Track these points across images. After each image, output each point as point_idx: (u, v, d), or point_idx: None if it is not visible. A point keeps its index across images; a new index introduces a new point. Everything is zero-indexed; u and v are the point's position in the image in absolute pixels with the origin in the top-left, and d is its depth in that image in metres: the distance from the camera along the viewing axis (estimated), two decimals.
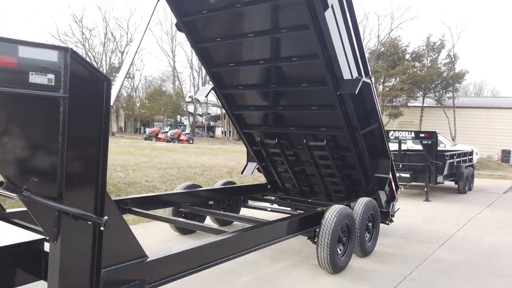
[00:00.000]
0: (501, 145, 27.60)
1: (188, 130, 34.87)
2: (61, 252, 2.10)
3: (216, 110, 45.82)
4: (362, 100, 5.34)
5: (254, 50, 5.23)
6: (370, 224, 5.52)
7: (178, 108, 42.42)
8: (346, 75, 4.98)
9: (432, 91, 29.43)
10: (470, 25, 76.88)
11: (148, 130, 31.72)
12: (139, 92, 51.05)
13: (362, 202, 5.27)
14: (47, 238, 2.59)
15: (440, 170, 11.10)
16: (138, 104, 46.63)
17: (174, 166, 11.76)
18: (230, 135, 39.61)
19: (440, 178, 11.22)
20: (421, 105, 29.65)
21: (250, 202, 7.00)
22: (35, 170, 2.05)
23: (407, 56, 29.55)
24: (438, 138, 19.99)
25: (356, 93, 4.72)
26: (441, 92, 28.83)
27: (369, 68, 5.49)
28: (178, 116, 44.56)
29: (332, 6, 4.51)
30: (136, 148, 16.90)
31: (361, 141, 5.53)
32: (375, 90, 5.57)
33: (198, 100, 36.22)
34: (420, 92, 29.40)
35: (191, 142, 27.94)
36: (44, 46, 1.99)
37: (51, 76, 1.97)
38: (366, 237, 5.39)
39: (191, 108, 43.35)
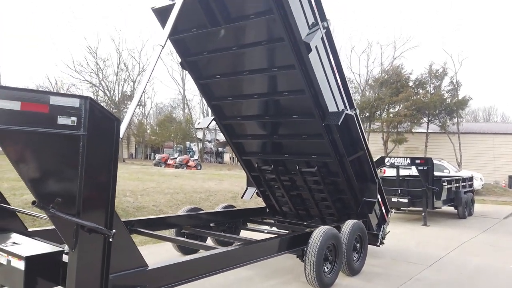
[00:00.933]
0: (507, 171, 27.64)
1: (196, 156, 35.53)
2: (77, 258, 2.61)
3: None
4: (348, 130, 5.84)
5: (249, 86, 5.82)
6: (358, 244, 5.92)
7: (188, 134, 43.33)
8: (332, 108, 5.53)
9: (436, 117, 29.84)
10: (477, 51, 77.56)
11: (157, 156, 32.52)
12: (150, 119, 52.34)
13: (349, 224, 5.70)
14: (65, 250, 3.11)
15: (437, 195, 11.42)
16: (149, 131, 47.71)
17: (180, 191, 12.28)
18: (237, 161, 40.11)
19: (438, 203, 11.51)
20: (425, 131, 29.99)
21: (250, 225, 7.43)
22: (59, 192, 2.59)
23: (411, 83, 30.18)
24: (443, 164, 20.44)
25: (339, 124, 5.24)
26: (445, 118, 29.23)
27: (353, 101, 6.04)
28: (188, 142, 45.42)
29: (316, 47, 5.11)
30: (145, 174, 17.50)
31: (348, 167, 6.02)
32: (359, 121, 6.09)
33: (207, 126, 36.98)
34: (425, 118, 29.81)
35: (199, 168, 28.56)
36: (69, 96, 2.57)
37: (74, 118, 2.54)
38: (354, 257, 5.78)
39: (200, 135, 44.26)
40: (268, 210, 7.77)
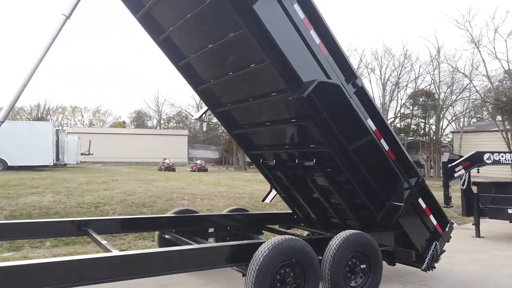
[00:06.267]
0: None
1: None
2: None
3: None
4: (341, 108, 4.29)
5: (220, 62, 4.79)
6: (363, 266, 4.27)
7: None
8: (311, 77, 4.10)
9: None
10: None
11: None
12: None
13: (340, 236, 4.14)
14: None
15: None
16: None
17: (247, 196, 11.58)
18: None
19: None
20: None
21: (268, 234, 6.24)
22: None
23: None
24: None
25: (305, 96, 3.80)
26: None
27: (353, 69, 4.43)
28: None
29: None
30: (234, 179, 17.39)
31: (354, 159, 4.46)
32: (368, 94, 4.47)
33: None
34: None
35: None
36: None
37: None
38: (354, 282, 4.17)
39: None
40: (295, 217, 6.48)
